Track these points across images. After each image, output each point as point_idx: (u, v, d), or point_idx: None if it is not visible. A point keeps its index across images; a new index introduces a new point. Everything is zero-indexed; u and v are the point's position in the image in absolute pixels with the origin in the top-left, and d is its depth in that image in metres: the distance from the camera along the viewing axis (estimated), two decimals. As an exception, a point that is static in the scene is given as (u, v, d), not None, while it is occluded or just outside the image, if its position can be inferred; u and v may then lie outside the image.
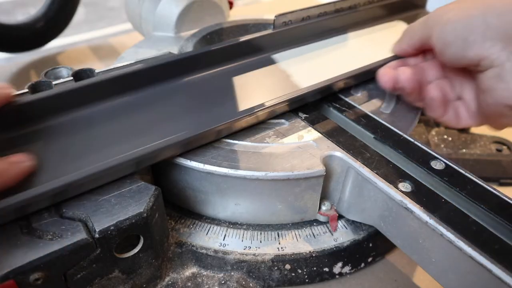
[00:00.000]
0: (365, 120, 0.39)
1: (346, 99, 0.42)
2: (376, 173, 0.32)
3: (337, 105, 0.41)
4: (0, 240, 0.26)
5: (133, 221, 0.28)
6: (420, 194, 0.31)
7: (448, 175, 0.32)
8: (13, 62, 0.74)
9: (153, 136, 0.34)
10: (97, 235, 0.27)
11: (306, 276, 0.36)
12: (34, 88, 0.38)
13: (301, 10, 0.48)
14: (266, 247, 0.35)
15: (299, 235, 0.36)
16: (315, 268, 0.36)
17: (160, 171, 0.36)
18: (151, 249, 0.31)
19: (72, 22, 0.78)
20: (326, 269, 0.36)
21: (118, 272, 0.30)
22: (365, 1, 0.54)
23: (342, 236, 0.36)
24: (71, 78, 0.40)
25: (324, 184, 0.35)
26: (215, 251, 0.35)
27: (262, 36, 0.46)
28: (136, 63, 0.45)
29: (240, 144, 0.36)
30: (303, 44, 0.49)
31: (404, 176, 0.32)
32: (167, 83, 0.41)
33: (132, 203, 0.29)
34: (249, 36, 0.46)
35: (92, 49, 0.82)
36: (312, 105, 0.42)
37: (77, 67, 0.41)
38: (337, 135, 0.37)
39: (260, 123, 0.39)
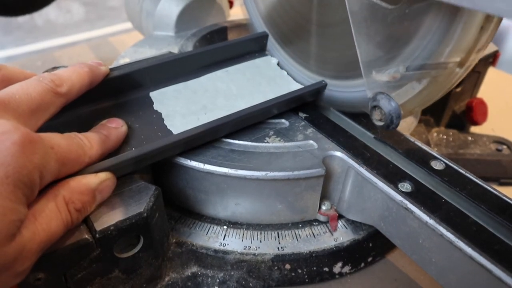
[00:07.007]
0: (365, 120, 0.39)
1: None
2: (376, 173, 0.32)
3: (337, 105, 0.41)
4: None
5: (133, 221, 0.28)
6: (420, 194, 0.31)
7: (448, 175, 0.32)
8: (13, 61, 0.74)
9: None
10: (97, 235, 0.27)
11: (306, 276, 0.36)
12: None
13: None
14: (266, 247, 0.35)
15: (299, 235, 0.36)
16: (315, 268, 0.36)
17: (160, 171, 0.36)
18: (151, 249, 0.31)
19: (72, 21, 0.78)
20: (326, 269, 0.36)
21: (118, 272, 0.30)
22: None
23: (342, 236, 0.36)
24: None
25: (324, 184, 0.35)
26: (215, 251, 0.35)
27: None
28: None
29: (240, 144, 0.36)
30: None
31: (404, 176, 0.32)
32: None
33: (132, 203, 0.29)
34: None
35: (92, 48, 0.82)
36: (312, 105, 0.42)
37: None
38: (337, 135, 0.37)
39: (260, 123, 0.39)
